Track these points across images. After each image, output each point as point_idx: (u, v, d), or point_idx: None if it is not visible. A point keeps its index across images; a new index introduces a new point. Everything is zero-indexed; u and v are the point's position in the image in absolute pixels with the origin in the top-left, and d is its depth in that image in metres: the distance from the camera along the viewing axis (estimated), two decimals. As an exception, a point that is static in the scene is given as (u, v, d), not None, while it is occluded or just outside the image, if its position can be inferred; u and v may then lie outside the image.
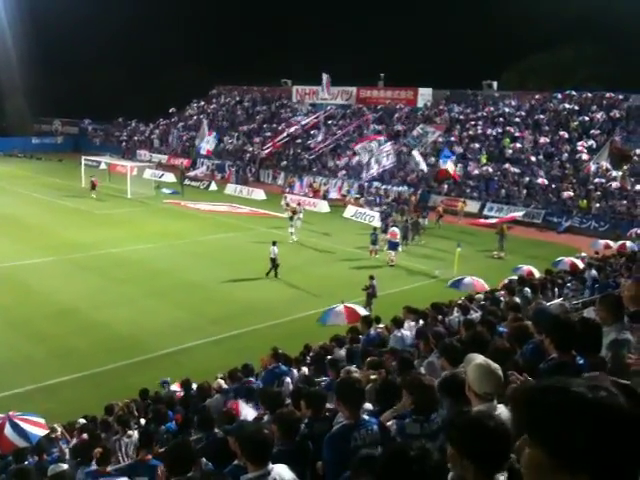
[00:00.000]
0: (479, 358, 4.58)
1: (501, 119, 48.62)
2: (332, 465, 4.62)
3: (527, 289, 13.42)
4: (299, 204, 37.07)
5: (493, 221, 34.16)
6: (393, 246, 28.63)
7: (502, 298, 13.78)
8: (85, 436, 10.14)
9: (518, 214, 35.84)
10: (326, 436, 4.82)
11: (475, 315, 11.99)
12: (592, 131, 43.03)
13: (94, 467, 7.72)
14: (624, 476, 1.50)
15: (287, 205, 34.86)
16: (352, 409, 4.82)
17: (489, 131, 47.57)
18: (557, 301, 12.54)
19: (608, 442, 1.48)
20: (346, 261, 28.77)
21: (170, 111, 72.70)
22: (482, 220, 35.34)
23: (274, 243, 26.27)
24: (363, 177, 42.89)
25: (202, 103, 73.42)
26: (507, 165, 42.56)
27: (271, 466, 4.34)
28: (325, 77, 56.57)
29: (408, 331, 11.90)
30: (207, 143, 52.92)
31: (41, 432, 10.07)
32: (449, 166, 37.98)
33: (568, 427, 1.51)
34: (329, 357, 10.45)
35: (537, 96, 49.74)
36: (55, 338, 18.82)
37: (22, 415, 10.20)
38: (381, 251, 29.50)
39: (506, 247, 30.39)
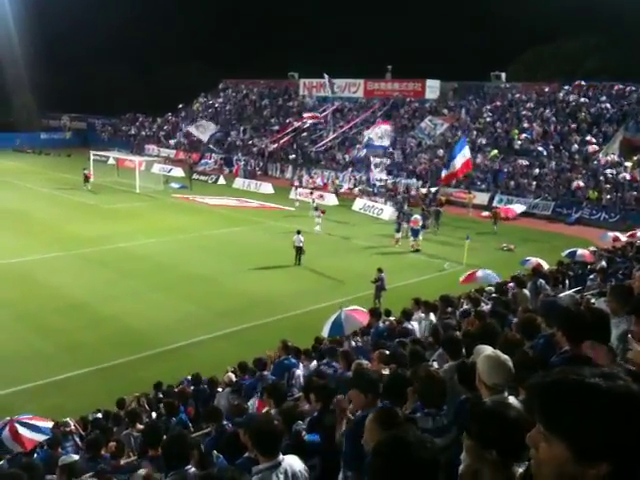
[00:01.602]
0: (488, 350, 4.56)
1: (509, 110, 48.38)
2: (352, 455, 4.61)
3: (541, 280, 13.33)
4: (320, 196, 38.26)
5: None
6: (415, 233, 29.80)
7: (511, 290, 13.71)
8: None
9: (518, 211, 36.46)
10: (346, 429, 4.84)
11: (486, 307, 11.94)
12: (602, 122, 42.75)
13: (108, 461, 7.76)
14: None
15: (316, 208, 34.58)
16: (370, 398, 4.83)
17: (498, 123, 47.34)
18: (568, 292, 12.46)
19: (625, 430, 1.50)
20: (355, 253, 28.76)
21: (179, 106, 72.68)
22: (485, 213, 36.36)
23: (298, 232, 26.74)
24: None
25: (209, 97, 73.40)
26: (516, 157, 42.42)
27: (282, 457, 4.36)
28: (326, 77, 56.75)
29: (417, 323, 11.88)
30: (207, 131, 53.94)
31: (49, 424, 10.16)
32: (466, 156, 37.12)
33: (586, 419, 1.52)
34: (340, 349, 10.44)
35: (545, 87, 49.44)
36: (64, 332, 18.88)
37: (24, 415, 10.30)
38: (405, 238, 30.39)
39: (498, 230, 32.80)
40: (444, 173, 34.73)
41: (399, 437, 2.32)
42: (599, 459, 1.52)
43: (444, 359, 6.68)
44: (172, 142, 65.53)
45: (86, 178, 45.47)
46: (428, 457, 2.24)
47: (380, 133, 42.55)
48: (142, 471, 6.01)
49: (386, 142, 43.07)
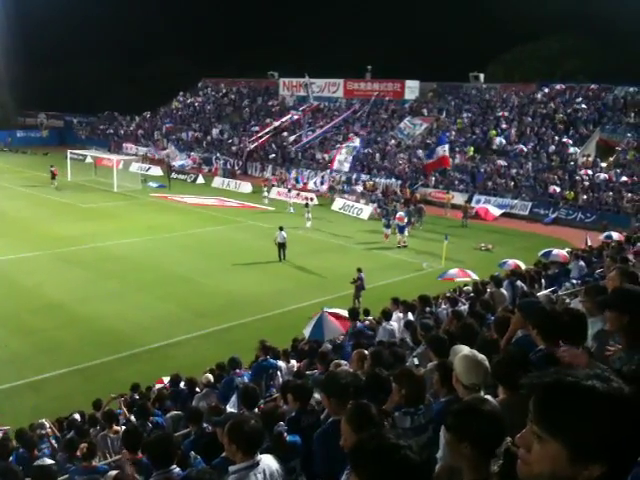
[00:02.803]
0: (465, 349, 4.60)
1: (488, 111, 48.76)
2: (322, 460, 4.60)
3: (519, 282, 13.46)
4: (311, 199, 38.99)
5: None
6: (401, 229, 30.84)
7: (489, 289, 13.81)
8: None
9: (496, 214, 37.12)
10: (316, 432, 4.79)
11: (463, 307, 12.03)
12: (578, 123, 43.22)
13: (80, 462, 7.69)
14: (635, 460, 1.59)
15: (306, 205, 35.65)
16: (340, 404, 4.63)
17: (476, 123, 47.68)
18: (545, 292, 12.59)
19: (619, 431, 1.55)
20: (335, 253, 28.80)
21: (158, 105, 72.18)
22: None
23: (281, 228, 27.04)
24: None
25: (188, 96, 73.00)
26: (494, 157, 42.77)
27: (259, 456, 4.34)
28: (307, 77, 57.22)
29: (396, 323, 11.93)
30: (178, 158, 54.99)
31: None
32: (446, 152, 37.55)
33: (582, 420, 1.57)
34: (319, 350, 10.45)
35: (523, 88, 49.90)
36: (41, 332, 18.70)
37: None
38: (393, 234, 31.17)
39: (467, 223, 34.97)
40: (426, 162, 37.36)
41: (381, 441, 2.30)
42: (593, 460, 1.56)
43: (426, 358, 6.72)
44: (152, 142, 65.04)
45: (53, 175, 45.19)
46: (418, 460, 2.24)
47: (344, 157, 43.37)
48: (113, 472, 5.96)
49: (346, 167, 43.82)
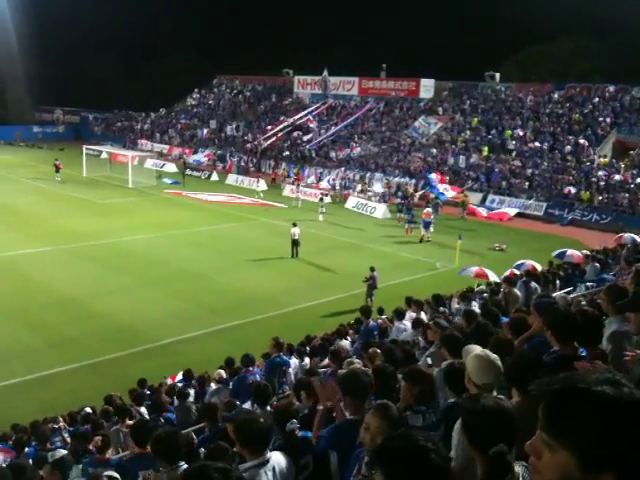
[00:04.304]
0: (477, 349, 4.54)
1: (503, 110, 48.47)
2: (322, 445, 4.58)
3: (533, 283, 13.33)
4: (325, 194, 39.08)
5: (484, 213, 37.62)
6: (427, 225, 31.01)
7: (502, 290, 13.69)
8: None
9: (511, 213, 37.18)
10: (330, 426, 4.76)
11: (475, 306, 11.93)
12: (594, 123, 42.86)
13: (94, 456, 7.70)
14: None
15: (321, 199, 36.87)
16: (358, 403, 4.60)
17: (491, 123, 47.41)
18: (560, 293, 12.47)
19: (630, 439, 1.49)
20: (348, 251, 28.71)
21: (173, 102, 72.46)
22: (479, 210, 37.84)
23: (294, 224, 27.06)
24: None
25: (203, 93, 73.21)
26: (509, 157, 42.53)
27: (269, 454, 4.31)
28: (325, 73, 57.21)
29: (409, 322, 11.87)
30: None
31: None
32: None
33: (593, 427, 1.51)
34: (331, 348, 10.41)
35: (539, 88, 49.55)
36: (53, 327, 18.79)
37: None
38: (416, 229, 31.84)
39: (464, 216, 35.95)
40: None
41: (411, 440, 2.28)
42: (604, 468, 1.51)
43: (438, 357, 6.66)
44: (167, 137, 65.27)
45: (57, 168, 45.77)
46: (441, 463, 2.21)
47: None
48: (108, 472, 5.98)
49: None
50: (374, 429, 3.67)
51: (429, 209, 31.93)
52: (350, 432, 4.27)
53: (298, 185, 42.18)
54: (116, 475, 5.91)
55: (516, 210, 37.55)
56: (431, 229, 31.29)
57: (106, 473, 5.96)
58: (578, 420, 1.53)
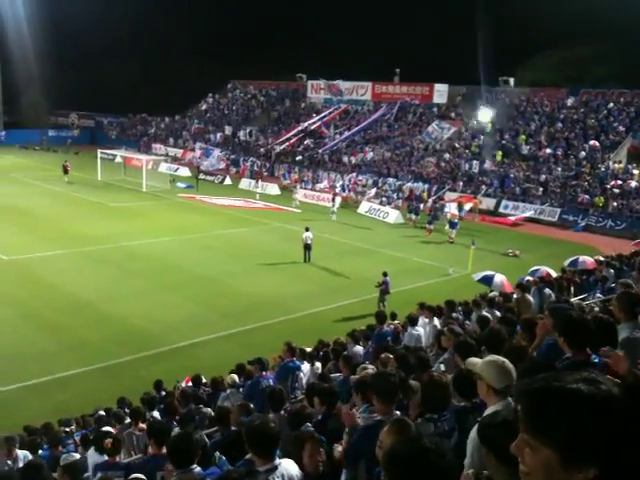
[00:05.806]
0: (487, 357, 4.54)
1: (517, 116, 48.31)
2: (354, 453, 4.59)
3: (547, 289, 13.29)
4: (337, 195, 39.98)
5: (512, 219, 37.09)
6: (453, 225, 31.73)
7: (515, 296, 13.66)
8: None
9: (526, 214, 37.24)
10: (361, 426, 4.80)
11: (489, 313, 11.89)
12: (609, 129, 42.63)
13: (104, 458, 7.75)
14: (630, 463, 1.56)
15: (333, 199, 38.49)
16: (387, 404, 4.74)
17: (505, 128, 47.26)
18: (575, 299, 12.43)
19: (608, 434, 1.53)
20: (360, 256, 28.71)
21: (187, 106, 72.82)
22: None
23: (307, 229, 27.08)
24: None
25: (217, 97, 73.52)
26: (523, 162, 42.38)
27: (278, 460, 4.33)
28: (339, 81, 57.63)
29: (422, 328, 11.85)
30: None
31: None
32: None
33: (570, 424, 1.55)
34: (344, 353, 10.40)
35: (554, 93, 49.35)
36: (68, 330, 18.91)
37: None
38: (443, 224, 32.69)
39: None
40: None
41: (416, 443, 2.30)
42: (586, 464, 1.55)
43: (451, 364, 6.67)
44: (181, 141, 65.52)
45: (65, 170, 46.42)
46: (446, 465, 2.23)
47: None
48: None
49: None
50: (387, 447, 3.69)
51: (455, 210, 32.96)
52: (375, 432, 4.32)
53: (295, 187, 43.37)
54: (142, 477, 5.92)
55: (527, 213, 37.49)
56: (456, 229, 31.77)
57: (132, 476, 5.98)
58: (556, 418, 1.57)
